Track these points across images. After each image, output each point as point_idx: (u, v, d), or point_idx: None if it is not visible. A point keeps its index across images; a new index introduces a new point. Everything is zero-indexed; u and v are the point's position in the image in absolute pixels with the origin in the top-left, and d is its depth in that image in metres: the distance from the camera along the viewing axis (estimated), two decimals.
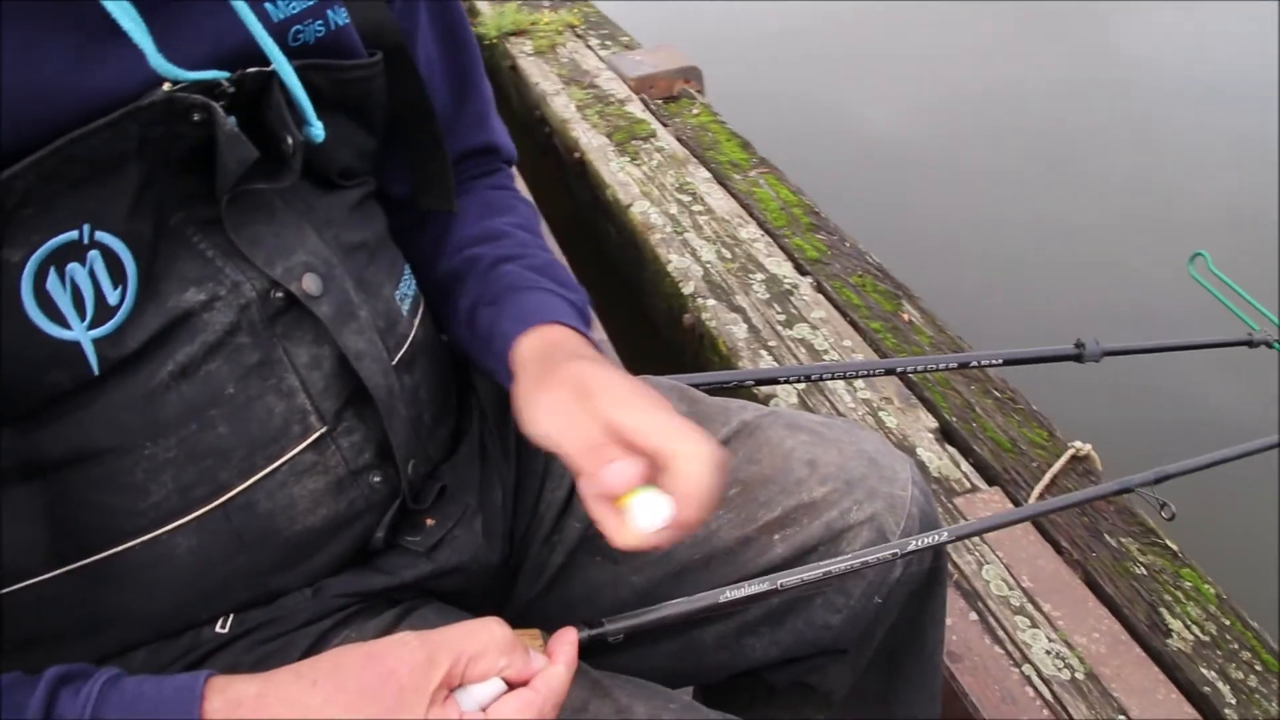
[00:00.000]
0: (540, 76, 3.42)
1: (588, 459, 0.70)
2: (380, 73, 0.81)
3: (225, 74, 0.67)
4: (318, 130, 0.72)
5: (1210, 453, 1.09)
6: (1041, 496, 1.71)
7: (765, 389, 1.91)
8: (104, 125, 0.61)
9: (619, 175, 2.78)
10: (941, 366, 1.29)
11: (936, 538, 0.87)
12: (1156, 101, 4.41)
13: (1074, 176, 3.88)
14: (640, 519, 0.68)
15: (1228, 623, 1.50)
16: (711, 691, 1.08)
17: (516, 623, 0.70)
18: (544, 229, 1.03)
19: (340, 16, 0.76)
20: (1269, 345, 1.39)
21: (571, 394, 0.74)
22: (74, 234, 0.62)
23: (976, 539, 1.64)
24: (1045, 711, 1.40)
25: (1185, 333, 1.51)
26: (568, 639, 0.69)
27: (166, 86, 0.64)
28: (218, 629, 0.75)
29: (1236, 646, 1.46)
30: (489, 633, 0.64)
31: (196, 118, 0.65)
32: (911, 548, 0.86)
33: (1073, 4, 5.34)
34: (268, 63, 0.69)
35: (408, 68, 0.84)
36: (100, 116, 0.61)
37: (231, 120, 0.66)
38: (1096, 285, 3.28)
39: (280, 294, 0.72)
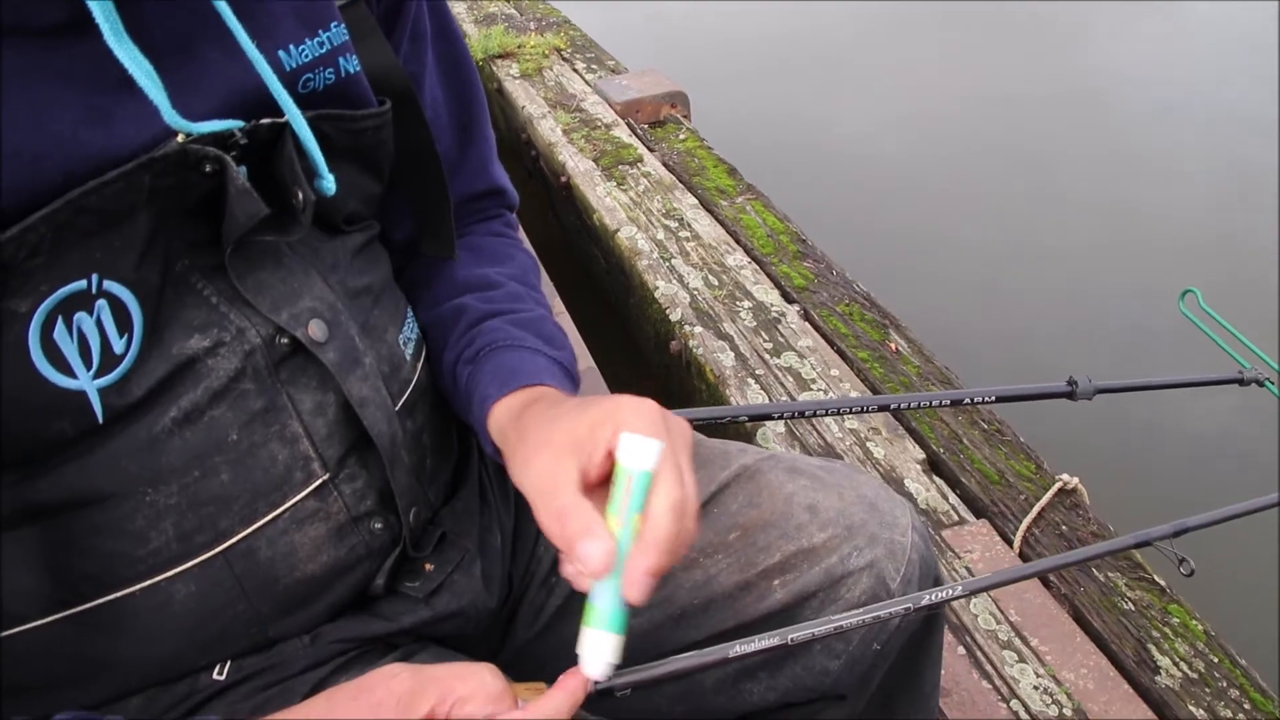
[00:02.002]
0: (527, 99, 3.42)
1: (559, 537, 0.67)
2: (389, 121, 0.80)
3: (238, 124, 0.66)
4: (329, 184, 0.72)
5: (1230, 505, 1.08)
6: (1029, 529, 1.71)
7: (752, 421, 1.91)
8: (117, 177, 0.60)
9: (606, 200, 2.78)
10: (935, 404, 1.29)
11: (950, 592, 0.86)
12: (1136, 121, 4.45)
13: (1058, 197, 3.92)
14: (584, 661, 0.67)
15: (1216, 660, 1.50)
16: None
17: (514, 665, 0.69)
18: (543, 277, 1.01)
19: (352, 64, 0.76)
20: (1259, 384, 1.39)
21: (552, 450, 0.70)
22: (82, 284, 0.61)
23: (964, 570, 1.64)
24: None
25: (1172, 362, 1.52)
26: (579, 675, 0.67)
27: (180, 138, 0.63)
28: (215, 675, 0.74)
29: (1225, 684, 1.46)
30: (480, 679, 0.64)
31: (208, 169, 0.64)
32: (925, 602, 0.85)
33: (1063, 18, 5.38)
34: (279, 110, 0.68)
35: (414, 114, 0.83)
36: (111, 169, 0.60)
37: (243, 171, 0.65)
38: (1079, 308, 3.30)
39: (285, 340, 0.72)
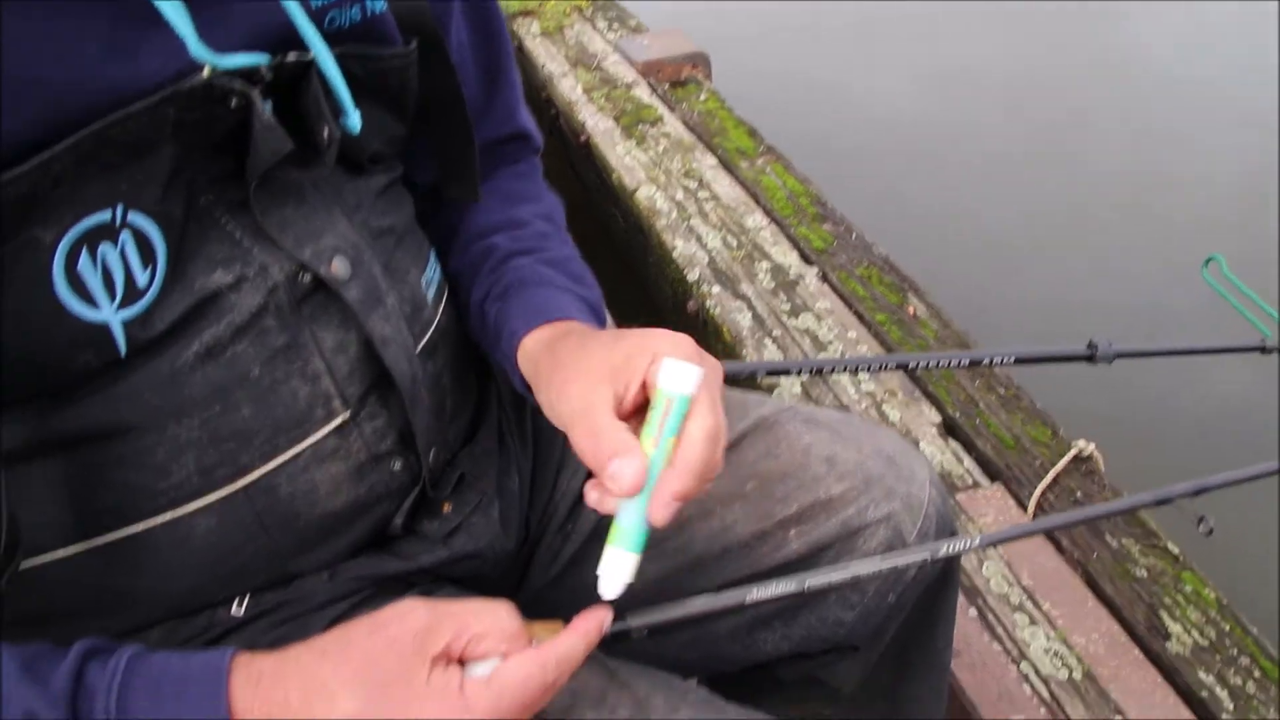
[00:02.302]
0: (547, 58, 3.40)
1: (592, 457, 0.68)
2: (415, 61, 0.80)
3: (265, 59, 0.66)
4: (354, 121, 0.71)
5: (1254, 465, 1.07)
6: (1044, 495, 1.71)
7: (769, 379, 1.91)
8: (142, 109, 0.60)
9: (625, 159, 2.76)
10: (953, 363, 1.28)
11: (968, 543, 0.86)
12: (1165, 89, 4.39)
13: (1081, 164, 3.86)
14: (601, 579, 0.68)
15: (1227, 628, 1.50)
16: (719, 683, 1.08)
17: (529, 608, 0.69)
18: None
19: (378, 4, 0.75)
20: None
21: (587, 376, 0.71)
22: (106, 215, 0.61)
23: (978, 535, 1.64)
24: (1042, 710, 1.40)
25: (1192, 330, 1.50)
26: (596, 615, 0.68)
27: (206, 71, 0.63)
28: (234, 610, 0.75)
29: (1235, 652, 1.46)
30: (495, 615, 0.64)
31: (234, 103, 0.64)
32: (943, 552, 0.85)
33: None
34: (305, 46, 0.68)
35: (441, 56, 0.83)
36: (135, 102, 0.60)
37: (268, 106, 0.65)
38: (1102, 277, 3.26)
39: (308, 277, 0.72)
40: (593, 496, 0.69)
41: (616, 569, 0.67)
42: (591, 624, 0.68)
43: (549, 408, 0.75)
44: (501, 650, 0.63)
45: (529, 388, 0.81)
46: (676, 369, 0.67)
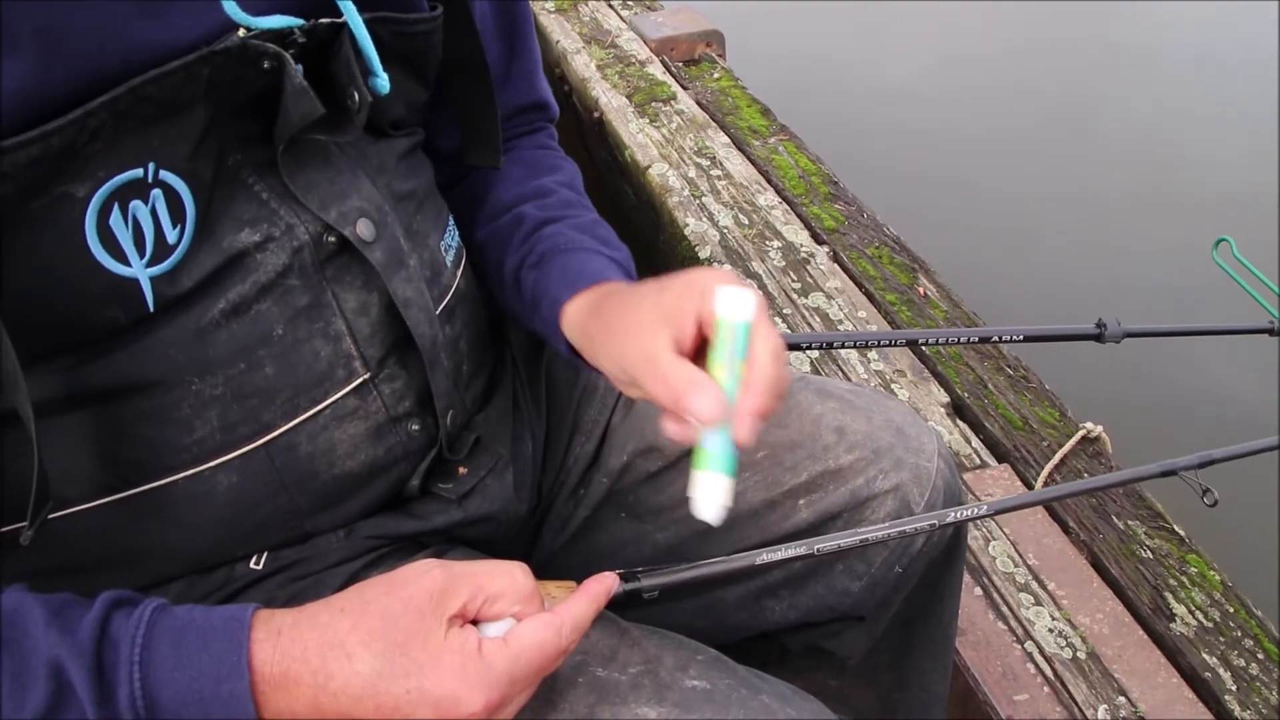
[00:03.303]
0: (561, 34, 3.39)
1: (668, 397, 0.70)
2: (440, 27, 0.80)
3: (298, 22, 0.67)
4: (383, 81, 0.72)
5: (1257, 439, 1.08)
6: (1051, 475, 1.72)
7: None
8: (179, 67, 0.61)
9: (638, 137, 2.76)
10: (961, 340, 1.29)
11: (975, 510, 0.87)
12: (1179, 71, 4.36)
13: (1093, 146, 3.84)
14: (700, 503, 0.69)
15: (1231, 610, 1.51)
16: (727, 652, 1.09)
17: (540, 572, 0.70)
18: None
19: None
20: None
21: (642, 328, 0.73)
22: (139, 171, 0.62)
23: (984, 504, 1.65)
24: (1046, 689, 1.41)
25: (1201, 313, 1.50)
26: (604, 580, 0.70)
27: (241, 33, 0.64)
28: (252, 565, 0.76)
29: (1239, 634, 1.47)
30: (511, 577, 0.65)
31: (266, 65, 0.65)
32: (950, 519, 0.86)
33: None
34: (333, 7, 0.68)
35: (465, 22, 0.83)
36: (169, 59, 0.61)
37: (299, 70, 0.66)
38: (1112, 261, 3.26)
39: (333, 238, 0.73)
40: (673, 429, 0.71)
41: (714, 492, 0.69)
42: (600, 588, 0.69)
43: (611, 368, 0.77)
44: (515, 611, 0.64)
45: (575, 352, 0.83)
46: (734, 296, 0.69)
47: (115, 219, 0.62)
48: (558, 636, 0.64)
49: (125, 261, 0.63)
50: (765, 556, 0.79)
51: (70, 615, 0.58)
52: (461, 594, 0.63)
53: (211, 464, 0.71)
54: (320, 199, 0.72)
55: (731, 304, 0.69)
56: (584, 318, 0.81)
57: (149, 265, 0.64)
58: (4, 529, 0.67)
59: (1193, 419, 2.60)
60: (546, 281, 0.85)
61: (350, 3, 0.69)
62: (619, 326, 0.75)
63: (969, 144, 3.89)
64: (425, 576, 0.63)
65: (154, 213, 0.63)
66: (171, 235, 0.65)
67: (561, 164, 1.00)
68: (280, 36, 0.66)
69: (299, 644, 0.59)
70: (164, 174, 0.63)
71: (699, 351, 0.71)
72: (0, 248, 0.59)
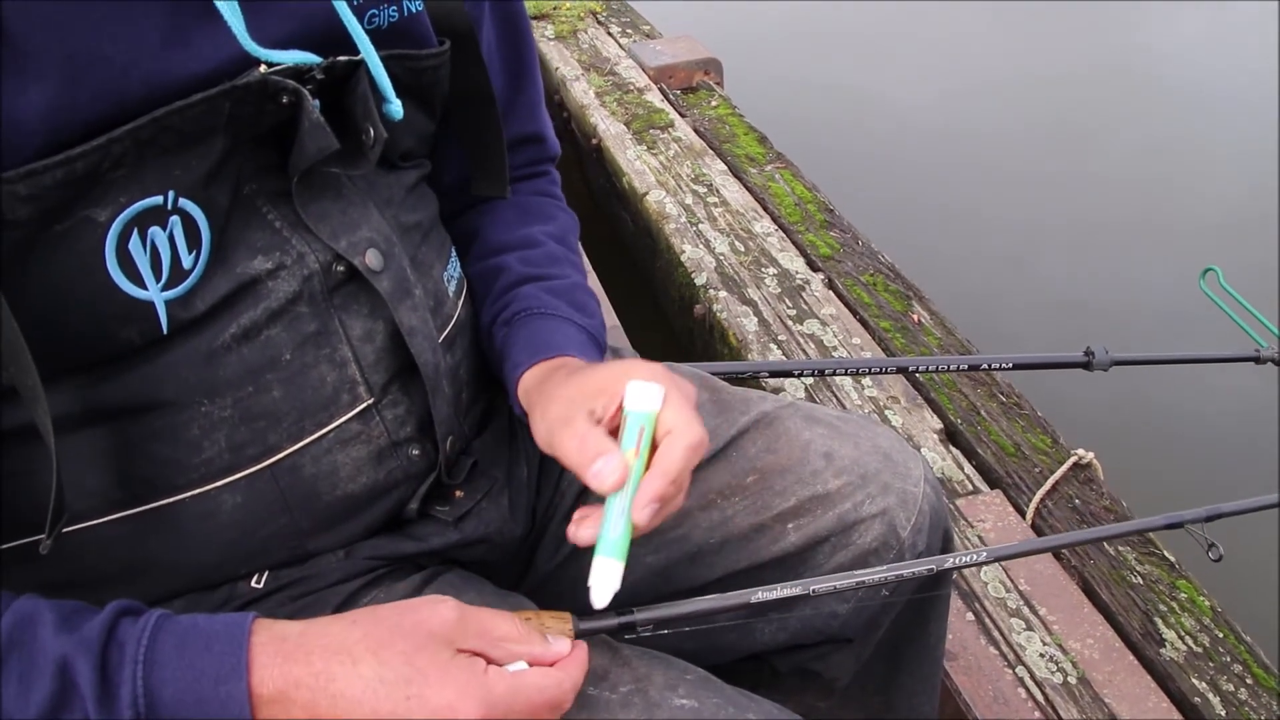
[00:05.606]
0: (560, 61, 3.43)
1: (576, 460, 0.73)
2: (448, 61, 0.83)
3: (316, 59, 0.69)
4: (396, 106, 0.75)
5: (1265, 495, 1.09)
6: (1042, 501, 1.73)
7: (773, 381, 1.94)
8: (201, 100, 0.64)
9: (636, 164, 2.79)
10: (951, 368, 1.31)
11: (975, 557, 0.88)
12: (1173, 100, 4.39)
13: (1094, 177, 3.86)
14: (592, 589, 0.72)
15: (1221, 635, 1.52)
16: (716, 673, 1.10)
17: (535, 593, 0.72)
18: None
19: (415, 3, 0.79)
20: (1275, 362, 1.41)
21: (569, 400, 0.77)
22: (159, 199, 0.64)
23: (976, 540, 1.66)
24: (1037, 713, 1.42)
25: (1196, 337, 1.51)
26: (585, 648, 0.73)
27: (262, 69, 0.66)
28: (253, 584, 0.78)
29: (1229, 659, 1.49)
30: (512, 623, 0.68)
31: (285, 100, 0.68)
32: (948, 565, 0.88)
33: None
34: (350, 43, 0.71)
35: (473, 56, 0.86)
36: (188, 93, 0.63)
37: (317, 105, 0.68)
38: (1106, 288, 3.28)
39: (342, 267, 0.75)
40: (573, 531, 0.74)
41: (604, 578, 0.72)
42: (583, 653, 0.71)
43: (538, 433, 0.80)
44: (519, 652, 0.67)
45: (524, 412, 0.86)
46: (640, 389, 0.74)
47: (134, 244, 0.64)
48: (559, 688, 0.66)
49: (142, 285, 0.65)
50: (760, 595, 0.81)
51: (80, 619, 0.60)
52: (472, 629, 0.65)
53: (218, 484, 0.73)
54: (331, 229, 0.74)
55: (639, 396, 0.74)
56: (532, 387, 0.84)
57: (164, 289, 0.66)
58: (16, 542, 0.70)
59: (1183, 444, 2.61)
60: (512, 343, 0.88)
61: (367, 39, 0.72)
62: (550, 397, 0.79)
63: (963, 172, 3.92)
64: (440, 606, 0.65)
65: (171, 239, 0.66)
66: (187, 260, 0.67)
67: (556, 214, 1.02)
68: (298, 72, 0.68)
69: (303, 649, 0.61)
70: (183, 202, 0.66)
71: (616, 435, 0.75)
72: (23, 268, 0.61)
